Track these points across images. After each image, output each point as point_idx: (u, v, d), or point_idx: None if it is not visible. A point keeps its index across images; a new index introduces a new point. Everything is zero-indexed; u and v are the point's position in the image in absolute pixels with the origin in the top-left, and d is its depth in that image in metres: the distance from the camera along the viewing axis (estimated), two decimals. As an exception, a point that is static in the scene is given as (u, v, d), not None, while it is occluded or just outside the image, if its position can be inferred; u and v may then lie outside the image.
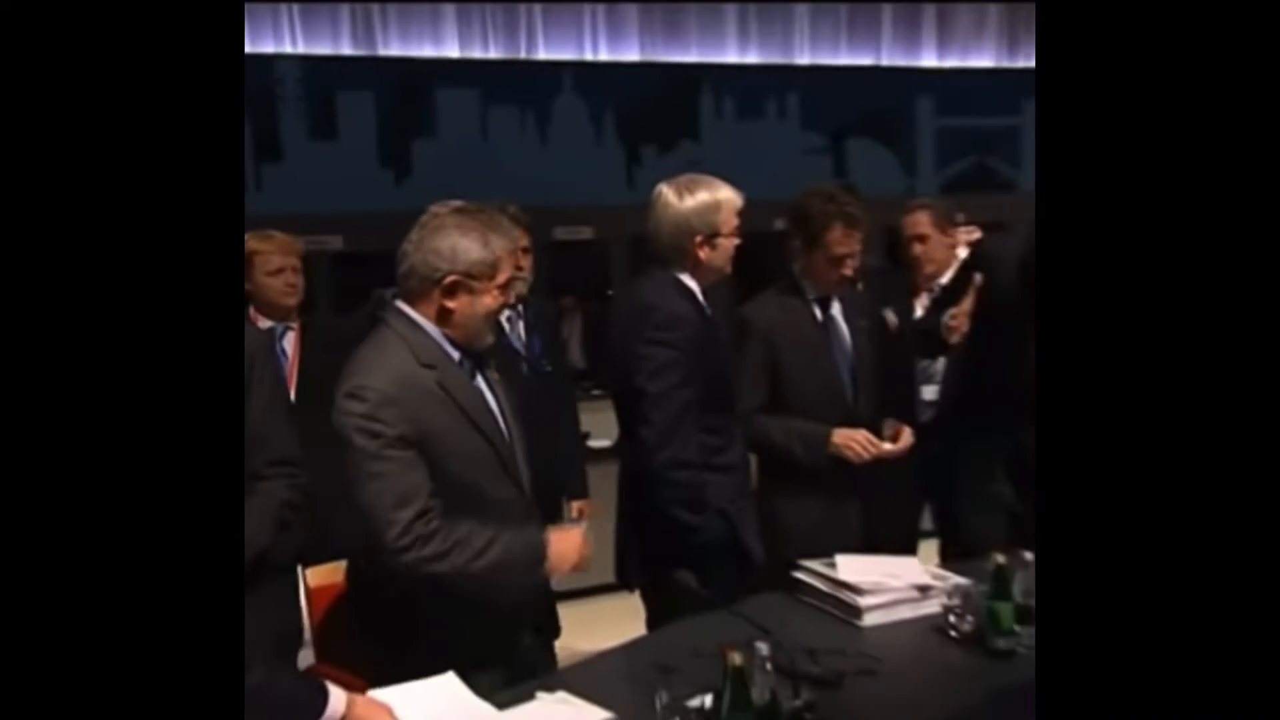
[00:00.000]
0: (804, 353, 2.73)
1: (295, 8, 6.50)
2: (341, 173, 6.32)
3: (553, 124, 7.04)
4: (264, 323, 3.18)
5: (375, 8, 6.66)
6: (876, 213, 6.78)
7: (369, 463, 1.84)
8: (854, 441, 2.59)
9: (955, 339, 2.87)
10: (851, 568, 2.27)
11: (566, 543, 2.03)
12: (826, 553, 2.36)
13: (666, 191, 2.53)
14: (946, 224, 3.25)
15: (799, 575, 2.33)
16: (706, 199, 2.49)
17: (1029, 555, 1.98)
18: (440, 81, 6.76)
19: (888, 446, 2.63)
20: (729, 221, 2.50)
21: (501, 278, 1.97)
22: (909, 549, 2.93)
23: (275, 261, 3.18)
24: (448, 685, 1.80)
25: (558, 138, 7.07)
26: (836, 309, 2.81)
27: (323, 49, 6.61)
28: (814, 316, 2.77)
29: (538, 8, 6.99)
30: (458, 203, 2.02)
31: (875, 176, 7.61)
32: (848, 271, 2.71)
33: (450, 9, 6.84)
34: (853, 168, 7.61)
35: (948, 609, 2.12)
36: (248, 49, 6.49)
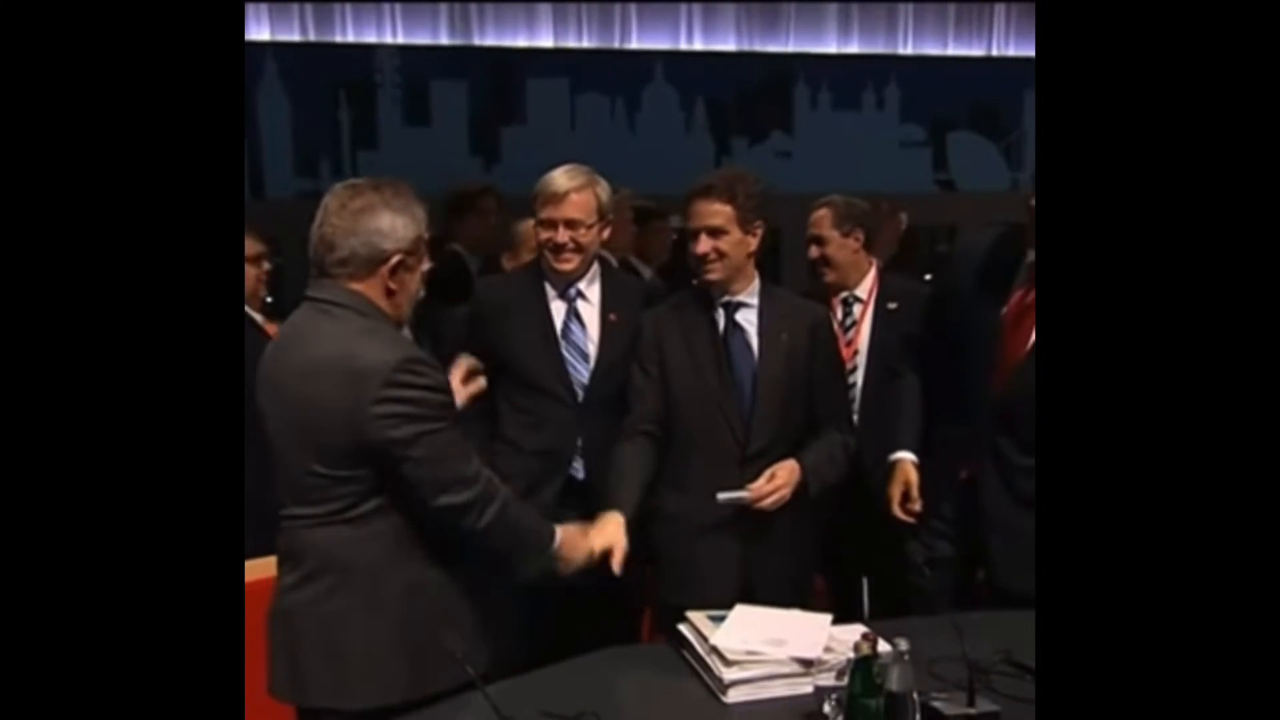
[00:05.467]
0: (689, 366, 2.10)
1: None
2: (434, 158, 6.07)
3: (642, 113, 6.59)
4: None
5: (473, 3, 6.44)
6: (979, 208, 6.23)
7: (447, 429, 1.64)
8: None
9: None
10: (738, 626, 1.77)
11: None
12: (716, 596, 1.89)
13: None
14: (850, 225, 2.55)
15: (681, 629, 1.86)
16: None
17: (904, 644, 1.45)
18: (531, 70, 6.42)
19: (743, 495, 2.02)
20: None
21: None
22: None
23: None
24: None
25: (646, 127, 6.62)
26: (748, 316, 2.13)
27: (422, 39, 6.44)
28: (711, 323, 2.12)
29: (632, -3, 6.57)
30: (358, 180, 1.69)
31: (978, 171, 6.94)
32: (701, 250, 2.05)
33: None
34: (954, 162, 6.94)
35: (822, 693, 1.60)
36: (350, 39, 6.39)
